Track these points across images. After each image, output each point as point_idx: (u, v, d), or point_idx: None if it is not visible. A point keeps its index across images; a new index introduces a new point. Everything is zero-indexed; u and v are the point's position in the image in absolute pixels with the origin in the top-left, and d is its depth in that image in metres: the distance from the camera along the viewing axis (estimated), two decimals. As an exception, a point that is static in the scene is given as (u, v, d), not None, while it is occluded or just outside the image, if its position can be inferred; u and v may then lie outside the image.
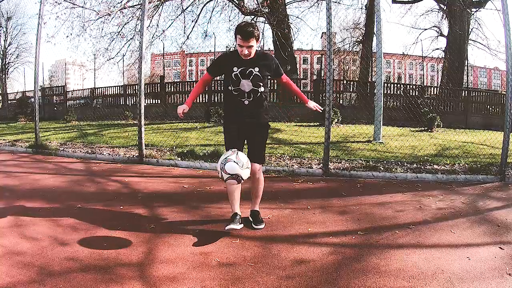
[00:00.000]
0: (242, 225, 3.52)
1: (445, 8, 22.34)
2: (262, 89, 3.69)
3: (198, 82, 3.91)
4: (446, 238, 3.41)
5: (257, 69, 3.62)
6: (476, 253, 3.07)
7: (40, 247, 3.12)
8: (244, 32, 3.43)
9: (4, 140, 11.27)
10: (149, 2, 14.44)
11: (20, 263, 2.79)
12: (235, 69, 3.58)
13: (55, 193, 5.04)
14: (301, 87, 21.31)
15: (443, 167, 6.70)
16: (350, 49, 27.07)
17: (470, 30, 21.81)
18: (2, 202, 4.51)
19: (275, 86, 17.84)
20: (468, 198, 4.88)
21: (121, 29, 17.11)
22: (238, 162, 3.32)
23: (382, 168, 6.48)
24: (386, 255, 3.01)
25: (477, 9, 20.79)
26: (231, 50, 3.90)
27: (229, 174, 3.33)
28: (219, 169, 3.38)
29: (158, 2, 16.37)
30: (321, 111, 4.17)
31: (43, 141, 9.55)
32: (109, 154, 8.18)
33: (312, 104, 4.15)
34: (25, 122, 18.66)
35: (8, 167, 7.00)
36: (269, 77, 3.80)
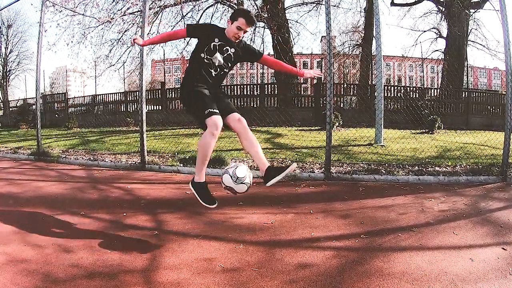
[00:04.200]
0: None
1: (443, 10, 22.40)
2: (227, 70, 3.82)
3: (170, 33, 3.92)
4: (448, 240, 3.42)
5: (233, 50, 3.77)
6: (479, 254, 3.08)
7: (44, 254, 3.13)
8: (250, 18, 3.61)
9: (6, 147, 11.30)
10: (149, 9, 14.49)
11: (24, 271, 2.80)
12: (216, 40, 3.68)
13: (57, 200, 5.05)
14: (302, 91, 21.35)
15: (444, 168, 6.70)
16: (350, 53, 27.12)
17: (469, 31, 21.86)
18: (5, 210, 4.53)
19: (275, 91, 17.90)
20: (470, 200, 4.89)
21: (122, 36, 17.18)
22: (232, 176, 3.41)
23: (384, 171, 6.48)
24: (389, 258, 3.02)
25: (475, 10, 20.84)
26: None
27: (224, 184, 3.44)
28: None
29: (158, 9, 16.42)
30: (320, 75, 4.17)
31: (45, 148, 9.58)
32: (111, 161, 8.19)
33: (309, 74, 4.13)
34: (26, 129, 18.71)
35: (11, 175, 7.02)
36: (247, 61, 3.92)
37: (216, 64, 3.73)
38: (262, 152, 3.66)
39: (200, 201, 3.66)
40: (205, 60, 3.70)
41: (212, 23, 3.99)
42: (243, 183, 3.43)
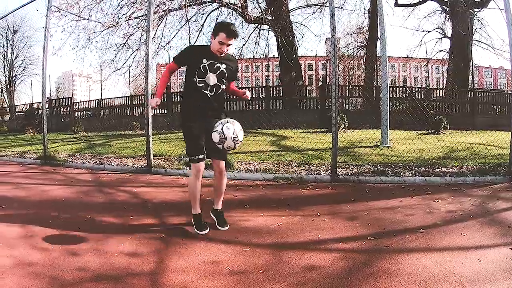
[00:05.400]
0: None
1: (447, 9, 22.32)
2: (223, 86, 3.84)
3: (165, 73, 3.97)
4: (456, 241, 3.40)
5: (224, 66, 3.78)
6: (487, 255, 3.06)
7: (51, 257, 3.15)
8: (230, 31, 3.58)
9: (12, 151, 11.37)
10: (154, 13, 14.54)
11: (31, 274, 2.82)
12: (204, 61, 3.69)
13: (64, 204, 5.07)
14: (307, 93, 21.35)
15: (451, 169, 6.66)
16: (355, 54, 27.05)
17: (473, 30, 21.76)
18: (12, 213, 4.55)
19: (280, 94, 17.90)
20: (477, 200, 4.86)
21: (127, 40, 17.23)
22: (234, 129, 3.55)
23: (390, 173, 6.46)
24: (397, 260, 3.01)
25: (479, 9, 20.74)
26: (203, 44, 4.07)
27: (239, 141, 3.60)
28: (232, 141, 3.53)
29: (163, 13, 16.47)
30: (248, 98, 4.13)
31: (51, 152, 9.63)
32: (118, 165, 8.21)
33: (246, 94, 4.09)
34: (33, 134, 18.83)
35: (17, 179, 7.05)
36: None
37: (211, 84, 3.73)
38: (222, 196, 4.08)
39: (195, 229, 3.81)
40: (197, 83, 3.72)
41: (194, 45, 4.02)
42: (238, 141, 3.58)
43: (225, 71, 3.78)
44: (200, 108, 3.79)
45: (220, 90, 3.82)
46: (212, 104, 3.80)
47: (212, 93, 3.76)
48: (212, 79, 3.71)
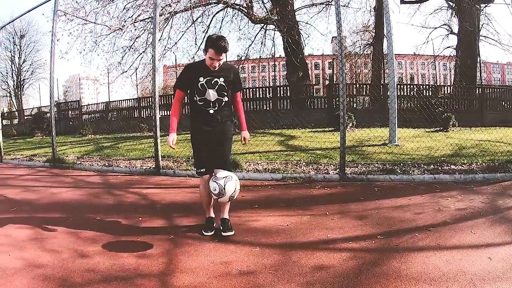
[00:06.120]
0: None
1: (454, 5, 22.17)
2: (226, 98, 3.80)
3: (174, 104, 3.89)
4: (466, 239, 3.37)
5: (222, 79, 3.72)
6: (497, 253, 3.03)
7: (60, 259, 3.17)
8: (218, 47, 3.52)
9: (21, 155, 11.45)
10: (160, 15, 14.57)
11: (41, 276, 2.84)
12: (201, 79, 3.67)
13: (73, 206, 5.10)
14: (314, 92, 21.28)
15: (460, 167, 6.62)
16: (361, 52, 26.94)
17: (480, 26, 21.59)
18: (22, 216, 4.59)
19: (287, 93, 17.86)
20: (487, 197, 4.82)
21: (133, 43, 17.27)
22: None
23: (399, 171, 6.42)
24: (407, 259, 2.99)
25: (486, 4, 20.56)
26: (197, 60, 3.95)
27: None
28: (227, 198, 3.56)
29: (169, 15, 16.49)
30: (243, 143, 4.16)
31: (60, 155, 9.68)
32: (126, 167, 8.24)
33: (243, 134, 4.12)
34: (41, 137, 18.96)
35: (27, 182, 7.11)
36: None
37: (212, 100, 3.72)
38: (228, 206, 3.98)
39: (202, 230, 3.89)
40: (198, 102, 3.72)
41: (188, 64, 4.00)
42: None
43: (224, 84, 3.73)
44: (204, 124, 3.79)
45: (223, 103, 3.78)
46: (216, 118, 3.78)
47: (216, 108, 3.75)
48: (212, 95, 3.70)
